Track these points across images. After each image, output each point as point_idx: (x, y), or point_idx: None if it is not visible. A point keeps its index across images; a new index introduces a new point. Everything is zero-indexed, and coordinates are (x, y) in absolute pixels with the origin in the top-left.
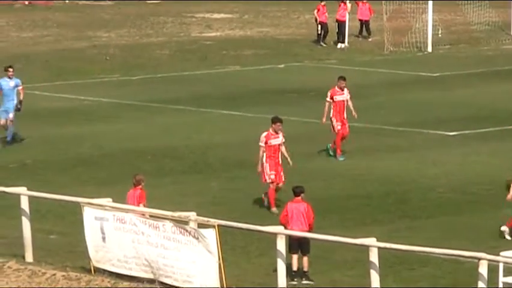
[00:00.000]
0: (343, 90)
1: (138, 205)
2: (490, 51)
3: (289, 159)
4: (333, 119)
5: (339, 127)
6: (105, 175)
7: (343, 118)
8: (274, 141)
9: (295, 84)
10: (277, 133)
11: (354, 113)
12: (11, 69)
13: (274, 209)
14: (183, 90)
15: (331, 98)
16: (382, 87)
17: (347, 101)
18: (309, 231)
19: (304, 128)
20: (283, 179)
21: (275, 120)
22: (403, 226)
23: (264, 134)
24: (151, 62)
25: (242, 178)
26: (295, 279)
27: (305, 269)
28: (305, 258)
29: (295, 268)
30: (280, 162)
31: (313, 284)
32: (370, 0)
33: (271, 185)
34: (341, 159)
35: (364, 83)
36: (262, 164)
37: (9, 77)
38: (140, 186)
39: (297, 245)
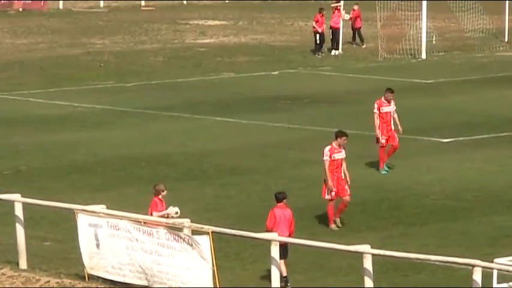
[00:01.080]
0: (390, 102)
1: (150, 214)
2: (484, 58)
3: (348, 176)
4: (378, 131)
5: (383, 141)
6: (99, 182)
7: (390, 130)
8: (337, 156)
9: (289, 91)
10: (340, 147)
11: (399, 127)
12: None
13: (332, 226)
14: (178, 97)
15: (378, 109)
16: (376, 94)
17: (393, 113)
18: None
19: (298, 134)
20: (348, 192)
21: (340, 134)
22: (397, 233)
23: (328, 147)
24: (146, 69)
25: (236, 185)
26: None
27: (284, 274)
28: (282, 262)
29: (284, 274)
30: (343, 176)
31: None
32: (367, 4)
33: (330, 202)
34: (383, 172)
35: (358, 90)
36: (331, 177)
37: None
38: (160, 196)
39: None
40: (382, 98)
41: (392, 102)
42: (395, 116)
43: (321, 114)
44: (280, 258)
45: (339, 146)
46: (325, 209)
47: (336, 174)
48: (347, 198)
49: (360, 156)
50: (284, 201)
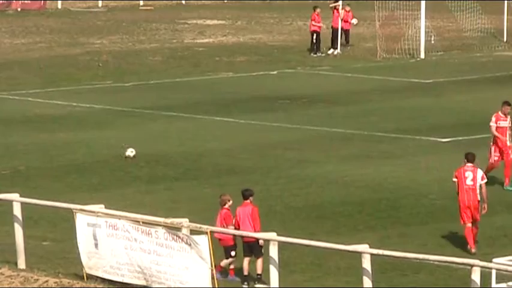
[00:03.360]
0: (507, 116)
1: (225, 226)
2: (483, 57)
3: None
4: (492, 147)
5: (496, 158)
6: (97, 181)
7: (505, 145)
8: (502, 123)
9: (288, 90)
10: (506, 116)
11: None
12: None
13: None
14: (176, 97)
15: (495, 123)
16: (374, 93)
17: (509, 128)
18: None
19: (296, 134)
20: (511, 156)
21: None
22: (396, 233)
23: (494, 114)
24: (144, 69)
25: (235, 185)
26: (245, 283)
27: (258, 271)
28: (259, 261)
29: (246, 273)
30: (509, 143)
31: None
32: (365, 4)
33: (467, 226)
34: (509, 188)
35: (357, 90)
36: (499, 139)
37: None
38: (227, 206)
39: (247, 248)
40: (500, 112)
41: (509, 117)
42: (510, 131)
43: (319, 114)
44: (255, 256)
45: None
46: (322, 209)
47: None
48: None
49: (357, 156)
50: (250, 198)
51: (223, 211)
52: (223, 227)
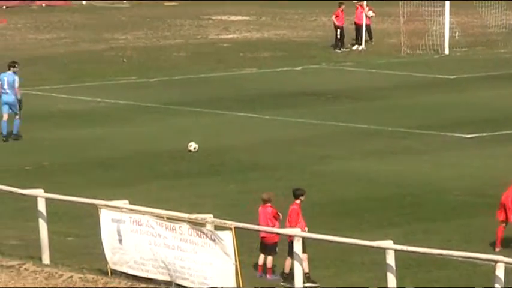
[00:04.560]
0: None
1: (272, 225)
2: (507, 53)
3: None
4: None
5: None
6: (122, 177)
7: None
8: None
9: (312, 86)
10: None
11: None
12: (16, 65)
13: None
14: (200, 93)
15: None
16: (398, 89)
17: None
18: None
19: (320, 130)
20: None
21: None
22: (420, 228)
23: None
24: (169, 64)
25: (259, 180)
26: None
27: (306, 270)
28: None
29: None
30: None
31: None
32: (389, 1)
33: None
34: None
35: (381, 86)
36: None
37: (14, 72)
38: (270, 204)
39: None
40: None
41: None
42: None
43: (343, 109)
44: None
45: None
46: (346, 205)
47: None
48: None
49: (381, 152)
50: (301, 198)
51: (267, 208)
52: (268, 224)
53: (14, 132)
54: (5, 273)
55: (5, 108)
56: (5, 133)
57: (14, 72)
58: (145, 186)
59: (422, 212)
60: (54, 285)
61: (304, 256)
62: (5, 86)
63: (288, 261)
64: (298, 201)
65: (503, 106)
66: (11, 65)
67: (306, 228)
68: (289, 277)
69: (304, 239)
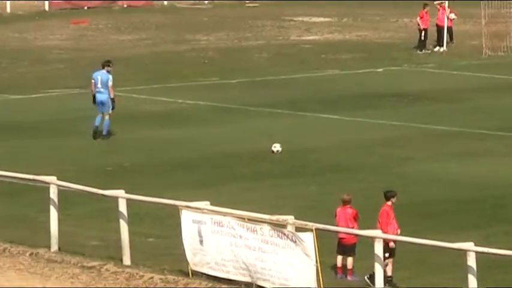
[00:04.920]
0: None
1: (351, 226)
2: None
3: None
4: None
5: None
6: (203, 178)
7: None
8: None
9: (393, 88)
10: None
11: None
12: (110, 64)
13: None
14: (282, 94)
15: None
16: (480, 91)
17: None
18: None
19: (401, 132)
20: None
21: None
22: (501, 230)
23: None
24: (250, 66)
25: (340, 182)
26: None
27: (389, 274)
28: (349, 259)
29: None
30: None
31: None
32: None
33: None
34: None
35: (462, 87)
36: None
37: (108, 71)
38: (350, 205)
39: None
40: None
41: None
42: None
43: (424, 111)
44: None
45: None
46: (426, 207)
47: None
48: None
49: (463, 154)
50: (392, 200)
51: (347, 209)
52: (348, 225)
53: (104, 133)
54: (86, 273)
55: (99, 107)
56: (97, 124)
57: (108, 71)
58: (226, 188)
59: (503, 214)
60: (135, 286)
61: (390, 260)
62: (99, 85)
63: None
64: (389, 203)
65: None
66: (105, 64)
67: (399, 231)
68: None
69: (396, 243)
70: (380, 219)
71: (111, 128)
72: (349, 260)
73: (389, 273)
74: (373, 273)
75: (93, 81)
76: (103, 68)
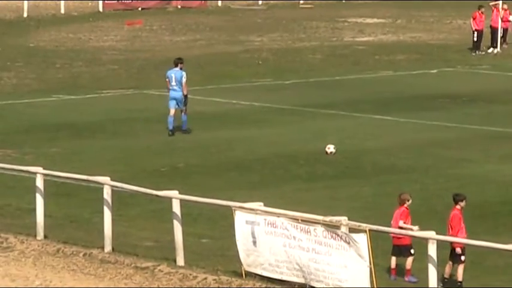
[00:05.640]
0: None
1: (397, 222)
2: None
3: None
4: None
5: None
6: (257, 179)
7: None
8: None
9: (447, 89)
10: None
11: None
12: (182, 61)
13: None
14: (336, 95)
15: None
16: None
17: None
18: None
19: (456, 133)
20: None
21: None
22: None
23: None
24: (304, 67)
25: (394, 183)
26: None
27: (459, 279)
28: (409, 259)
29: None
30: None
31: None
32: None
33: None
34: None
35: None
36: None
37: (181, 69)
38: (405, 205)
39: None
40: None
41: None
42: None
43: (479, 112)
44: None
45: None
46: (482, 208)
47: None
48: None
49: None
50: (460, 203)
51: (401, 209)
52: (396, 226)
53: (183, 128)
54: (139, 274)
55: (172, 103)
56: (171, 127)
57: (181, 69)
58: (280, 189)
59: None
60: (189, 287)
61: (461, 265)
62: (173, 83)
63: (449, 266)
64: (458, 207)
65: None
66: (177, 61)
67: (465, 235)
68: (448, 282)
69: (465, 247)
70: (452, 223)
71: (162, 129)
72: (408, 260)
73: (459, 279)
74: (446, 277)
75: (167, 79)
76: (176, 65)
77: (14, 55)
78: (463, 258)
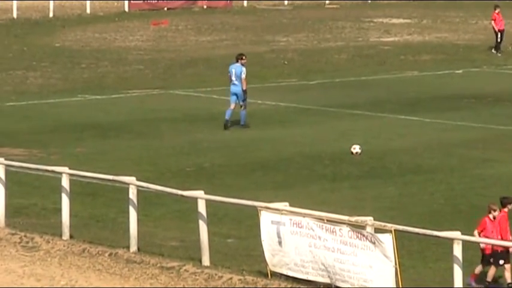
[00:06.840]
0: None
1: (497, 236)
2: None
3: None
4: None
5: None
6: (282, 179)
7: None
8: None
9: (473, 90)
10: None
11: None
12: (244, 57)
13: None
14: (361, 95)
15: None
16: None
17: None
18: None
19: (481, 133)
20: None
21: None
22: None
23: None
24: (329, 67)
25: (419, 183)
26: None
27: (508, 280)
28: (492, 268)
29: (489, 279)
30: None
31: None
32: None
33: None
34: None
35: None
36: None
37: (242, 64)
38: (491, 216)
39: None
40: None
41: None
42: None
43: (504, 113)
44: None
45: None
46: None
47: None
48: None
49: None
50: (509, 206)
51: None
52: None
53: (242, 123)
54: (164, 274)
55: (233, 98)
56: (227, 117)
57: (242, 64)
58: (305, 189)
59: None
60: (214, 287)
61: (508, 266)
62: (233, 77)
63: (492, 270)
64: (506, 210)
65: None
66: (239, 57)
67: (511, 238)
68: (490, 285)
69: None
70: (500, 226)
71: (188, 129)
72: (492, 268)
73: (508, 280)
74: (488, 280)
75: (229, 74)
76: (237, 61)
77: (40, 55)
78: (501, 262)
